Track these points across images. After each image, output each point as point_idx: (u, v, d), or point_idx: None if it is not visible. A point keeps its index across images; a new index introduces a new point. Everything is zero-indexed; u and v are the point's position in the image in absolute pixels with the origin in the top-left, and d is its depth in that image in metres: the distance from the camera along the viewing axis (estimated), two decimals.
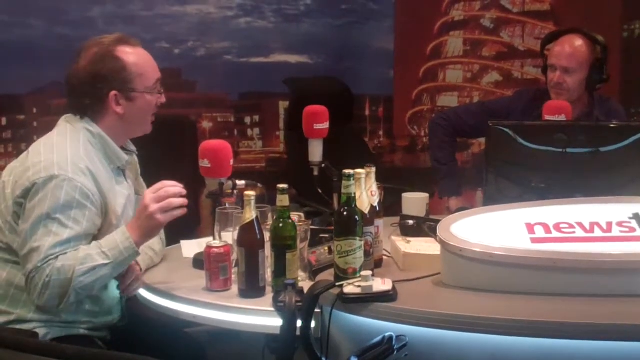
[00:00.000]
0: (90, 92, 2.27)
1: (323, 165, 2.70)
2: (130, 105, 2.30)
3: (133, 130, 2.37)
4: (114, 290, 2.31)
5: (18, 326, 2.18)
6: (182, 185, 2.18)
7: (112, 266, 2.12)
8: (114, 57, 2.27)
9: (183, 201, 2.15)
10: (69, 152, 2.21)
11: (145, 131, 2.40)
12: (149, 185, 2.52)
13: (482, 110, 3.39)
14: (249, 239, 2.12)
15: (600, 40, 3.22)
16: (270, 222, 2.21)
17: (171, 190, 2.14)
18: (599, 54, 3.21)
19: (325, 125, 2.70)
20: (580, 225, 2.04)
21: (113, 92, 2.27)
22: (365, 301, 1.91)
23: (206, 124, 4.72)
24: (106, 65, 2.26)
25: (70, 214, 2.13)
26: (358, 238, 2.04)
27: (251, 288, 2.13)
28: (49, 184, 2.13)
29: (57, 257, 2.09)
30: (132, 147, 2.43)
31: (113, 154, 2.31)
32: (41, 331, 2.18)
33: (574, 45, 3.20)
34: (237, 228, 2.16)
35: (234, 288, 2.18)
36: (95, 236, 2.20)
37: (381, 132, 5.14)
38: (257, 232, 2.13)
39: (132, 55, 2.30)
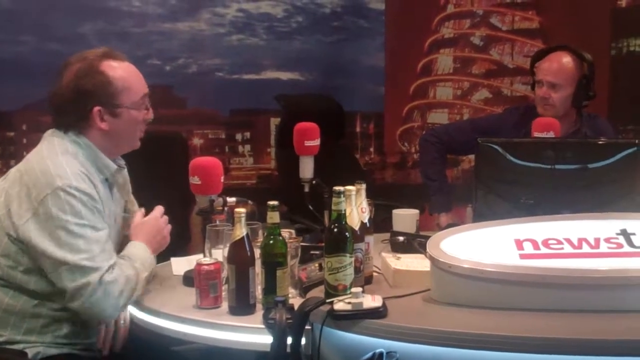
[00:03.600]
0: (73, 108, 2.22)
1: (314, 181, 2.71)
2: (115, 121, 2.25)
3: (119, 146, 2.32)
4: None
5: (8, 347, 2.16)
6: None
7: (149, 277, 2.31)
8: (98, 72, 2.22)
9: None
10: (63, 161, 2.17)
11: (132, 147, 2.35)
12: (140, 202, 2.53)
13: (472, 128, 3.41)
14: (239, 256, 2.12)
15: (587, 58, 3.24)
16: (260, 239, 2.22)
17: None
18: (585, 70, 3.23)
19: (316, 142, 2.71)
20: (569, 241, 2.06)
21: (97, 108, 2.22)
22: (356, 318, 1.91)
23: (197, 141, 4.72)
24: (90, 80, 2.21)
25: (92, 216, 2.13)
26: (348, 255, 2.05)
27: (241, 305, 2.12)
28: (58, 197, 2.10)
29: (117, 267, 2.14)
30: (121, 162, 2.39)
31: (101, 164, 2.27)
32: (31, 351, 2.17)
33: (561, 61, 3.23)
34: (228, 245, 2.16)
35: (224, 305, 2.17)
36: None
37: (372, 149, 5.15)
38: (248, 249, 2.13)
39: (118, 70, 2.24)
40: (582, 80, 3.21)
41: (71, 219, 2.10)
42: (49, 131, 2.30)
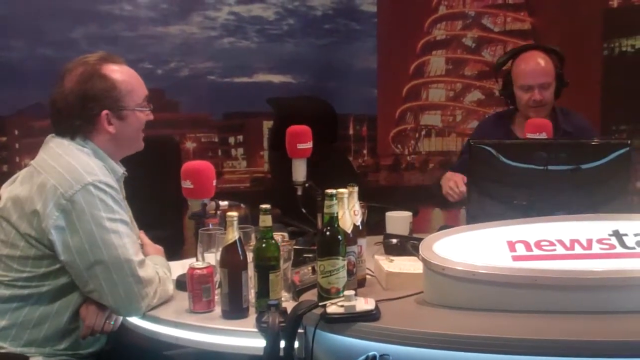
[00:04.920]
0: (80, 113, 2.22)
1: (307, 184, 2.70)
2: (122, 123, 2.26)
3: (125, 148, 2.33)
4: None
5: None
6: None
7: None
8: (101, 76, 2.23)
9: None
10: (84, 158, 2.19)
11: (137, 148, 2.37)
12: (132, 206, 2.52)
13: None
14: (231, 260, 2.12)
15: (556, 50, 3.30)
16: (253, 242, 2.21)
17: None
18: (557, 62, 3.28)
19: (309, 144, 2.71)
20: (561, 242, 2.06)
21: (104, 112, 2.23)
22: (349, 321, 1.91)
23: (190, 144, 4.72)
24: (95, 85, 2.21)
25: (122, 210, 2.17)
26: (341, 258, 2.04)
27: (234, 309, 2.12)
28: (89, 193, 2.10)
29: (157, 269, 2.23)
30: (122, 168, 2.39)
31: (110, 168, 2.27)
32: (32, 359, 2.18)
33: (542, 60, 3.25)
34: (220, 249, 2.16)
35: (217, 309, 2.17)
36: None
37: (365, 151, 5.16)
38: (240, 252, 2.12)
39: (120, 73, 2.26)
40: (558, 72, 3.26)
41: (104, 214, 2.11)
42: (51, 136, 2.29)
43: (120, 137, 2.28)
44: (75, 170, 2.14)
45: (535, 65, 3.24)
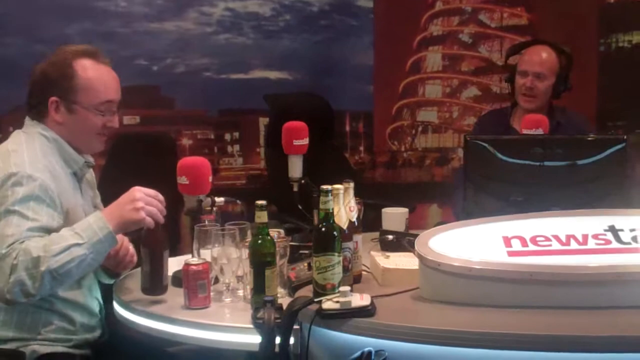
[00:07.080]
0: (35, 92, 2.30)
1: (303, 181, 2.70)
2: (70, 117, 2.28)
3: (77, 142, 2.33)
4: (92, 307, 2.33)
5: (3, 347, 2.17)
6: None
7: (86, 247, 2.02)
8: (66, 65, 2.27)
9: (161, 214, 2.18)
10: (25, 154, 2.20)
11: (92, 149, 2.38)
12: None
13: None
14: (153, 239, 2.20)
15: (566, 50, 3.39)
16: (249, 238, 2.21)
17: (160, 198, 2.19)
18: (564, 62, 3.37)
19: (305, 141, 2.71)
20: (557, 238, 2.06)
21: (53, 98, 2.26)
22: (344, 316, 1.91)
23: (186, 141, 4.71)
24: (56, 70, 2.27)
25: (29, 206, 2.07)
26: (336, 254, 2.04)
27: (154, 286, 2.23)
28: (7, 182, 2.10)
29: (22, 241, 2.00)
30: (90, 159, 2.40)
31: (69, 157, 2.29)
32: (27, 350, 2.17)
33: (545, 52, 3.38)
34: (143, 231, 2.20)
35: (214, 305, 2.17)
36: None
37: (362, 148, 5.15)
38: (160, 232, 2.19)
39: (88, 70, 2.28)
40: (561, 73, 3.35)
41: (9, 205, 2.08)
42: (16, 130, 2.35)
43: (68, 130, 2.29)
44: (7, 161, 2.17)
45: (536, 54, 3.38)
